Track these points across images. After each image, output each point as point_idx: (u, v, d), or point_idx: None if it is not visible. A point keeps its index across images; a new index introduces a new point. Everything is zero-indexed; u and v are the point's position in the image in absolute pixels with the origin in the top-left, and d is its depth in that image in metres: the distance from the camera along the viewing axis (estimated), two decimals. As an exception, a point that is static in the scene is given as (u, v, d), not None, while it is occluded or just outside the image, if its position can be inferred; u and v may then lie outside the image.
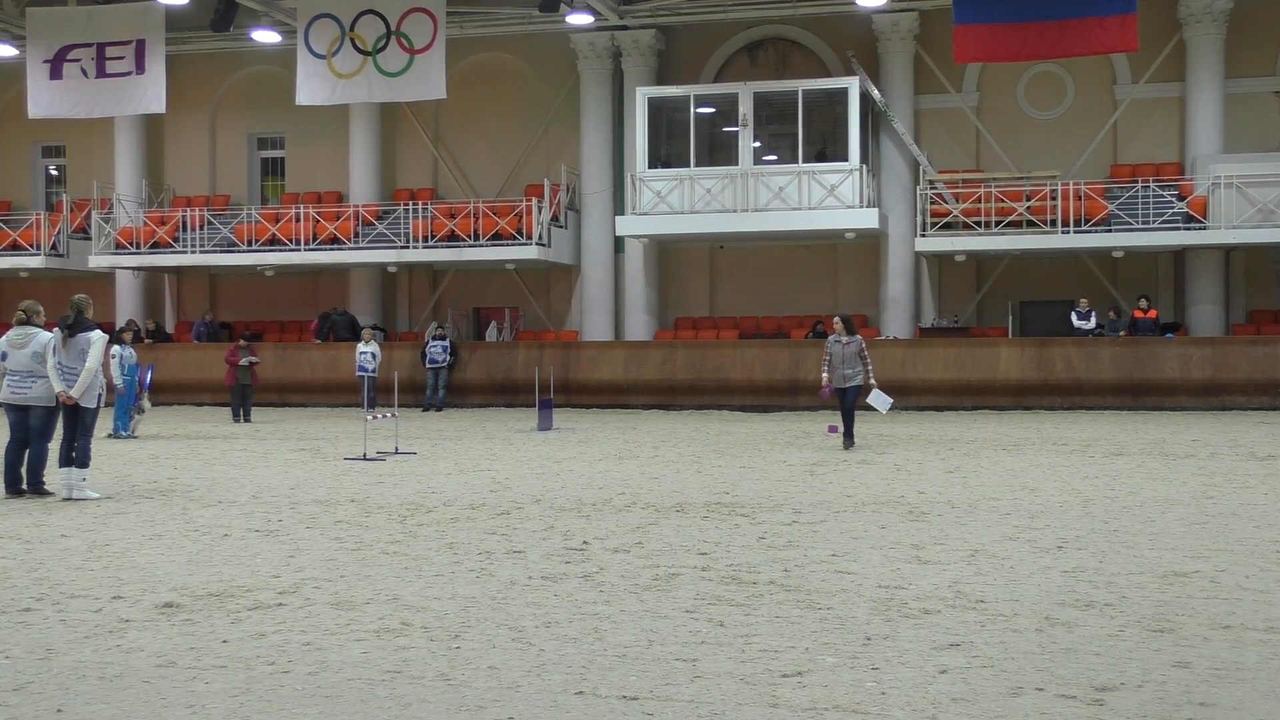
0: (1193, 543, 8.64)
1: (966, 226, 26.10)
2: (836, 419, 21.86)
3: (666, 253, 29.68)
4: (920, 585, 7.22)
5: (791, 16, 28.33)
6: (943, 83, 27.98)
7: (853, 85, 26.20)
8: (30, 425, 11.62)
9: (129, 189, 31.82)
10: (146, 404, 19.69)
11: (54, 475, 11.85)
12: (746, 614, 6.52)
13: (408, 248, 28.54)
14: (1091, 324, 24.96)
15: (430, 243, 28.42)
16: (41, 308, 11.99)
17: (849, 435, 16.38)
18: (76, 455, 11.59)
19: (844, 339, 16.12)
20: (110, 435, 18.53)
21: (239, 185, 32.69)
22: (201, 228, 30.20)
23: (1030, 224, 25.79)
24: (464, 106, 30.25)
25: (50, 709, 5.02)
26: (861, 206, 25.99)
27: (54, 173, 34.74)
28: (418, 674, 5.46)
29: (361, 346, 24.56)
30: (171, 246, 30.08)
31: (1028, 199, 26.00)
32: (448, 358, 26.00)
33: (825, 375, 16.17)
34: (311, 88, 26.64)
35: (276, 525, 9.81)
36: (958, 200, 26.44)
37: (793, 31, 29.01)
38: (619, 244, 29.14)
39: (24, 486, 11.73)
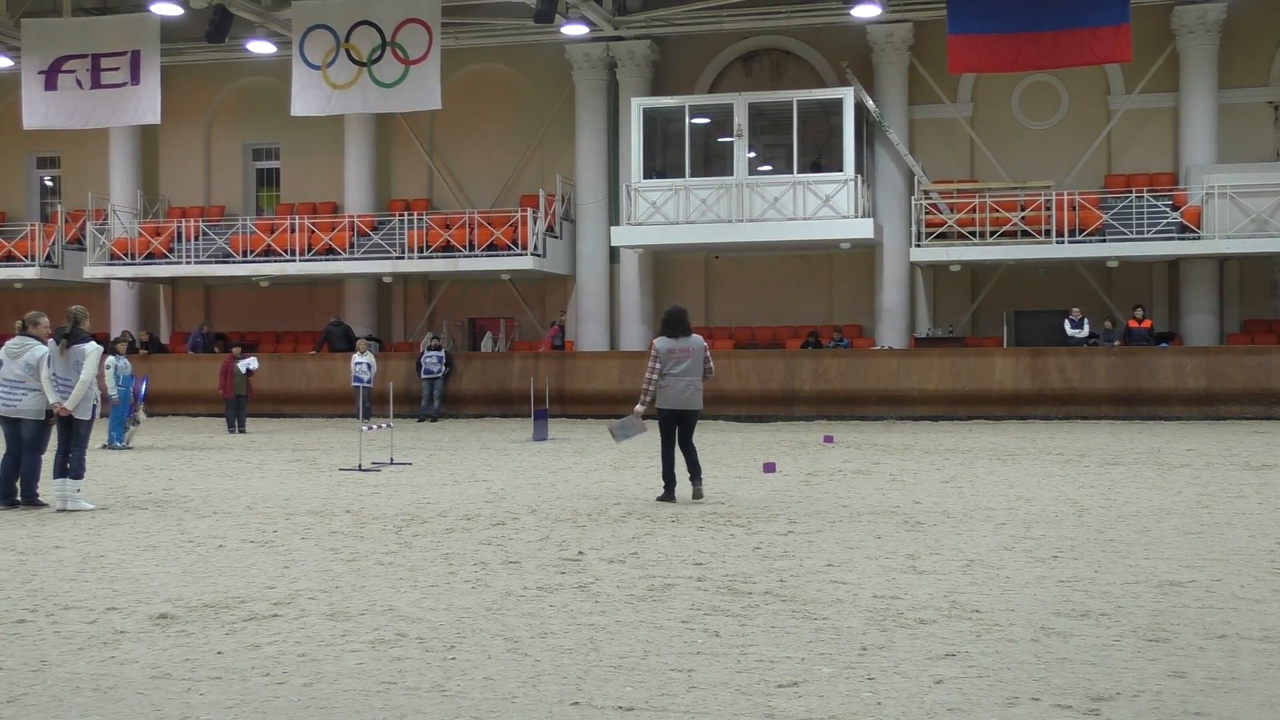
0: (1188, 552, 8.64)
1: (961, 236, 26.17)
2: (833, 429, 21.98)
3: (662, 263, 29.71)
4: (916, 595, 7.21)
5: (786, 27, 28.40)
6: (937, 93, 28.05)
7: (847, 96, 26.25)
8: (22, 437, 11.60)
9: (124, 200, 31.81)
10: (141, 415, 19.65)
11: (48, 486, 11.83)
12: (742, 624, 6.51)
13: (403, 258, 28.57)
14: (1084, 332, 25.00)
15: (425, 253, 28.44)
16: (46, 319, 11.95)
17: (696, 477, 11.68)
18: (71, 466, 11.56)
19: (678, 345, 11.55)
20: (105, 446, 18.49)
21: (234, 196, 32.70)
22: (196, 238, 30.20)
23: (1025, 234, 25.87)
24: (459, 117, 30.29)
25: (44, 721, 5.01)
26: (856, 217, 26.03)
27: (49, 184, 34.74)
28: (413, 685, 5.45)
29: (357, 357, 24.54)
30: (166, 257, 30.08)
31: (1022, 209, 26.05)
32: (443, 368, 25.98)
33: (646, 391, 11.51)
34: (306, 98, 26.65)
35: (271, 536, 9.79)
36: (952, 210, 26.50)
37: (788, 42, 29.08)
38: (614, 254, 29.17)
39: (18, 498, 11.71)
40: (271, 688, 5.43)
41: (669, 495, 11.64)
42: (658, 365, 11.51)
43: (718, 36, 29.06)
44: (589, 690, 5.32)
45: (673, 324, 11.63)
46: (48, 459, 11.91)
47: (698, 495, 11.62)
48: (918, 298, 28.19)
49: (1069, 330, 25.07)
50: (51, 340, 11.63)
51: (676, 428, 11.69)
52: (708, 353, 11.67)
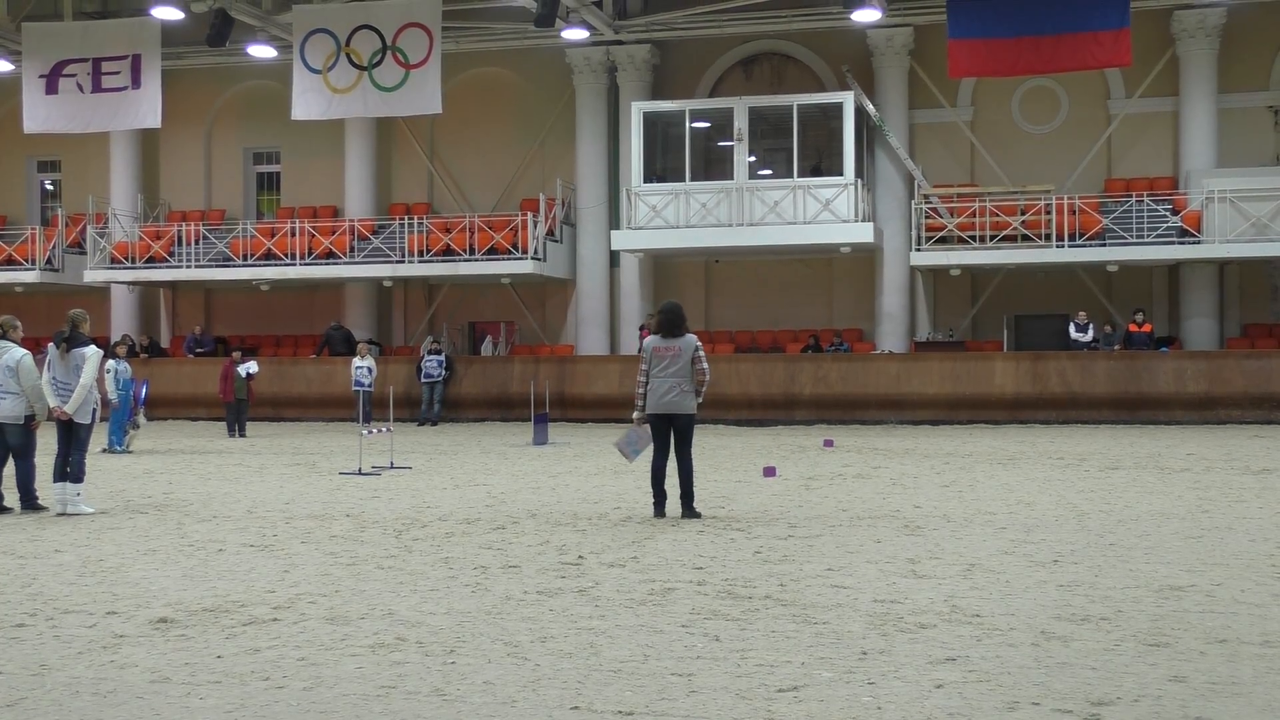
0: (1188, 557, 8.64)
1: (961, 241, 26.16)
2: (833, 433, 21.97)
3: (662, 267, 29.71)
4: (916, 599, 7.21)
5: (787, 31, 28.41)
6: (937, 97, 28.06)
7: (848, 100, 26.25)
8: (9, 443, 11.53)
9: (124, 203, 31.82)
10: (141, 419, 19.65)
11: (47, 490, 11.82)
12: (742, 628, 6.51)
13: (403, 262, 28.57)
14: (1089, 336, 25.00)
15: (425, 257, 28.44)
16: (19, 323, 11.90)
17: (686, 497, 10.90)
18: (71, 470, 11.55)
19: (665, 344, 10.85)
20: (105, 450, 18.48)
21: (234, 200, 32.71)
22: (197, 242, 30.20)
23: (1025, 238, 25.86)
24: (459, 121, 30.30)
25: (44, 725, 5.01)
26: (856, 221, 26.03)
27: (49, 187, 34.75)
28: (413, 689, 5.44)
29: (357, 361, 24.55)
30: (167, 261, 30.08)
31: (1022, 213, 26.06)
32: (443, 372, 25.99)
33: (639, 399, 10.90)
34: (307, 102, 26.67)
35: (271, 540, 9.79)
36: (952, 214, 26.51)
37: (788, 46, 29.09)
38: (614, 258, 29.16)
39: (4, 504, 11.62)
40: (271, 692, 5.43)
41: (658, 511, 10.85)
42: (645, 366, 10.85)
43: (718, 41, 29.08)
44: (589, 695, 5.32)
45: (663, 322, 10.89)
46: (47, 462, 11.90)
47: (686, 517, 10.78)
48: (918, 302, 28.19)
49: (1074, 334, 25.06)
50: (51, 344, 11.63)
51: (668, 435, 10.81)
52: (698, 352, 10.73)
